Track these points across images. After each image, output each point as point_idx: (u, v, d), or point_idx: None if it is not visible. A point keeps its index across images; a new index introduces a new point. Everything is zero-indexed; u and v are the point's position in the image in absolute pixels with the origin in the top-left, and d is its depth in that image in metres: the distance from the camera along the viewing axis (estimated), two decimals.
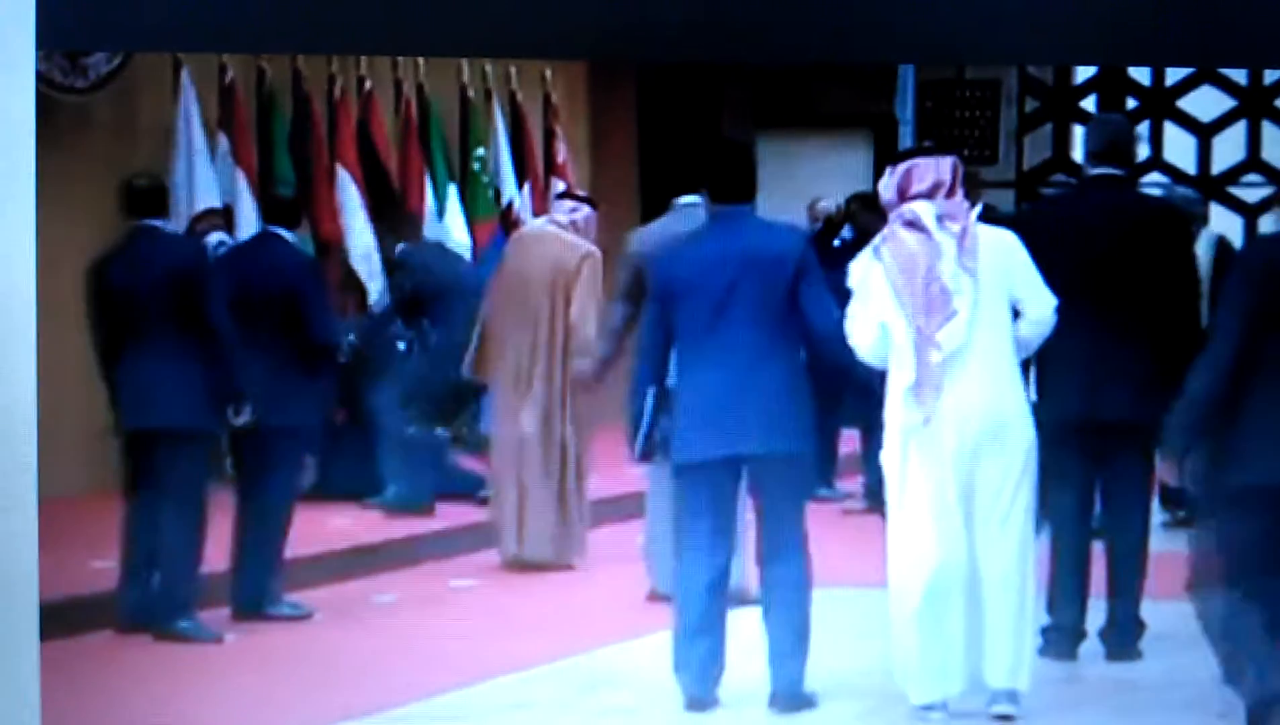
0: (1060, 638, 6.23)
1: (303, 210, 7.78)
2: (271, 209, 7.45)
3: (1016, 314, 5.52)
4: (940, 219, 5.48)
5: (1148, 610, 6.33)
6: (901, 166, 5.55)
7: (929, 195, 5.49)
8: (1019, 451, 5.45)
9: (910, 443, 5.42)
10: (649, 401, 5.61)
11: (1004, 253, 5.53)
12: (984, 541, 5.45)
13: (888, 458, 5.50)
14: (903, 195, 5.52)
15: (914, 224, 5.48)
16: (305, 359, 7.11)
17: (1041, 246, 5.62)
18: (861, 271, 5.51)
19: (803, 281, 5.53)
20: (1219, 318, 5.18)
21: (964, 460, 5.41)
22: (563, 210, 8.46)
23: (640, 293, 6.18)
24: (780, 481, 5.58)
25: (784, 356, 5.56)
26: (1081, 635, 6.27)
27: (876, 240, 5.56)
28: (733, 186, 5.68)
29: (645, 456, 5.71)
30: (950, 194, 5.51)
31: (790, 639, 5.62)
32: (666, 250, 5.89)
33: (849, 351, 5.56)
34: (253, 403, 6.80)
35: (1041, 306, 5.52)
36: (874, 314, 5.48)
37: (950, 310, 5.39)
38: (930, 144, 6.23)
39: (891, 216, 5.54)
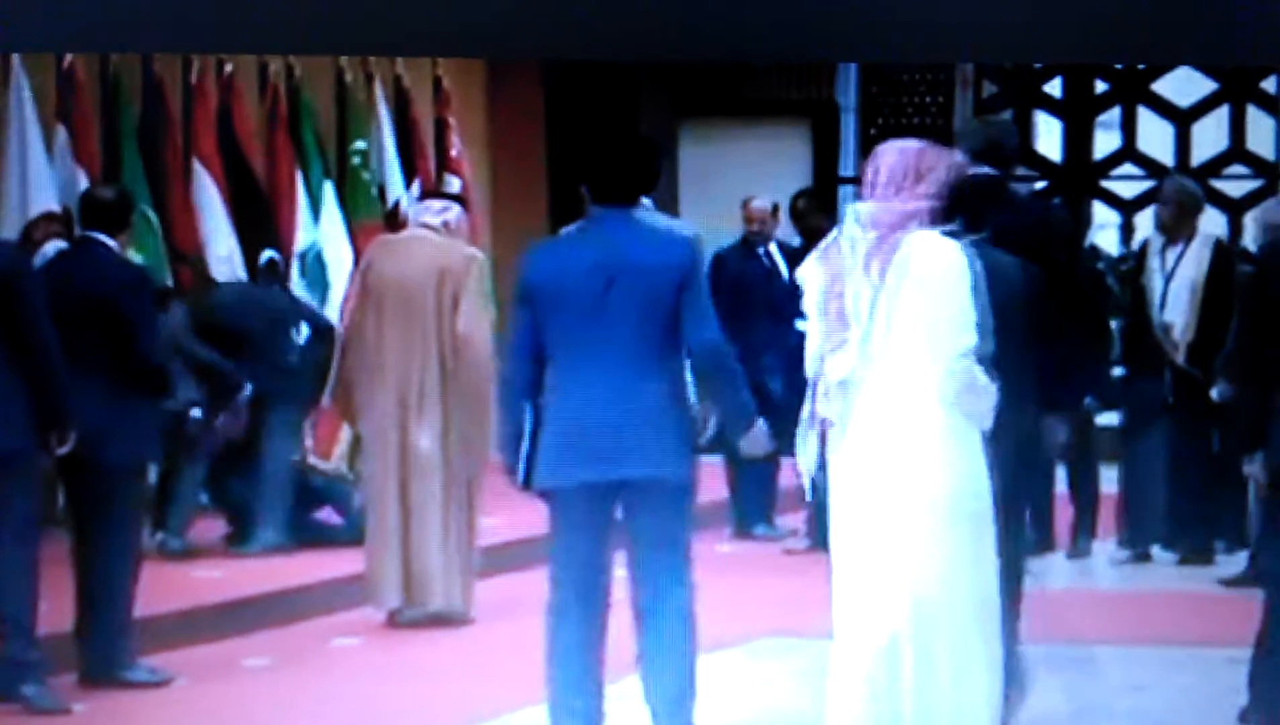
0: None
1: (135, 211, 7.61)
2: (90, 211, 7.30)
3: None
4: (861, 223, 5.27)
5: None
6: (872, 154, 5.41)
7: (869, 191, 5.30)
8: (939, 530, 5.19)
9: (831, 483, 5.30)
10: (528, 419, 5.70)
11: (933, 274, 5.21)
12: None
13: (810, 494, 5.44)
14: (873, 189, 5.34)
15: (853, 225, 5.33)
16: (135, 384, 7.11)
17: None
18: (805, 277, 5.44)
19: (686, 292, 5.65)
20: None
21: (862, 532, 5.22)
22: (430, 212, 8.48)
23: None
24: (659, 513, 5.68)
25: (664, 374, 5.68)
26: None
27: (827, 239, 5.47)
28: (613, 187, 5.76)
29: (529, 482, 5.78)
30: (890, 192, 5.25)
31: (673, 696, 5.72)
32: (538, 251, 5.98)
33: (726, 370, 5.67)
34: (78, 431, 6.80)
35: (946, 351, 5.17)
36: (811, 328, 5.40)
37: (842, 337, 5.22)
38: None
39: None
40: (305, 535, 9.54)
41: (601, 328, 5.63)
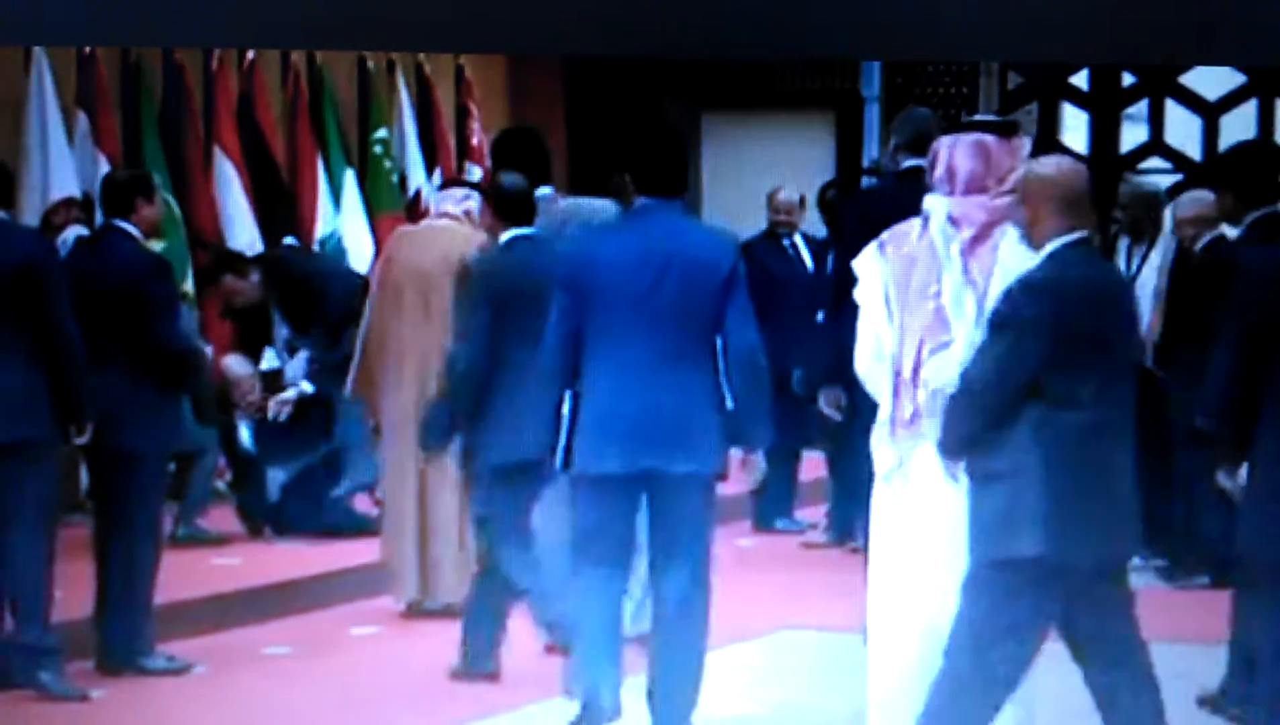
0: None
1: (156, 189, 7.60)
2: (110, 194, 7.31)
3: None
4: (952, 220, 5.17)
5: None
6: (933, 148, 5.28)
7: (946, 187, 5.20)
8: None
9: (889, 490, 5.21)
10: (567, 404, 5.75)
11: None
12: None
13: (873, 502, 5.30)
14: (950, 185, 5.21)
15: (926, 221, 5.22)
16: (156, 372, 7.14)
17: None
18: (863, 270, 5.34)
19: (731, 291, 5.70)
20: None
21: (941, 541, 5.05)
22: (451, 200, 8.48)
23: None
24: (687, 506, 5.75)
25: (702, 368, 5.74)
26: None
27: (885, 235, 5.35)
28: (662, 178, 5.81)
29: (566, 465, 5.83)
30: (974, 188, 5.16)
31: (681, 679, 5.78)
32: (585, 236, 6.05)
33: (761, 377, 5.70)
34: (97, 420, 6.85)
35: None
36: (869, 325, 5.29)
37: (944, 338, 5.10)
38: (989, 119, 5.67)
39: None
40: (339, 523, 9.56)
41: (645, 318, 5.67)
